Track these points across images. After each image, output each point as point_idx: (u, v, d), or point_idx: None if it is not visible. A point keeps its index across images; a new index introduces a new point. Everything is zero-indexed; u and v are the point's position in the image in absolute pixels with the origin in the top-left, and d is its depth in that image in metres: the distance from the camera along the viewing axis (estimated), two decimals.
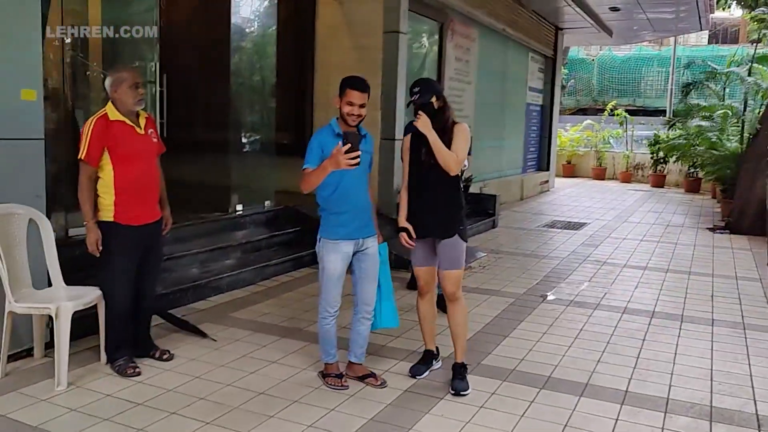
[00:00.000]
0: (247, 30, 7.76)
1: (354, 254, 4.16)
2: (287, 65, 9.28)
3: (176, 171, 8.02)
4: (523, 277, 7.37)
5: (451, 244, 4.18)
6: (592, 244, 9.58)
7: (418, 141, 4.11)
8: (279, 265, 7.05)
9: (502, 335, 5.34)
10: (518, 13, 13.70)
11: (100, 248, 4.26)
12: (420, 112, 4.05)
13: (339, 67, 9.11)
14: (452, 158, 4.04)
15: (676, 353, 5.04)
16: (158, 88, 7.53)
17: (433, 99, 4.09)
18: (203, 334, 5.09)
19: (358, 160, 3.72)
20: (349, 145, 3.70)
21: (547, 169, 17.34)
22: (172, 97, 7.54)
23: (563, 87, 25.05)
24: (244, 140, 7.94)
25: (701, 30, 17.78)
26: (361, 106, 3.99)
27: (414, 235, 4.22)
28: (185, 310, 5.73)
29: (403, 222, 4.23)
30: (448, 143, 4.06)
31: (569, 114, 26.87)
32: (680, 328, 5.67)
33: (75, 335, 4.34)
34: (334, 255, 4.08)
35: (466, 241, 4.28)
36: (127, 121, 4.31)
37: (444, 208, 4.18)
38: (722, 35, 32.51)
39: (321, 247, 4.14)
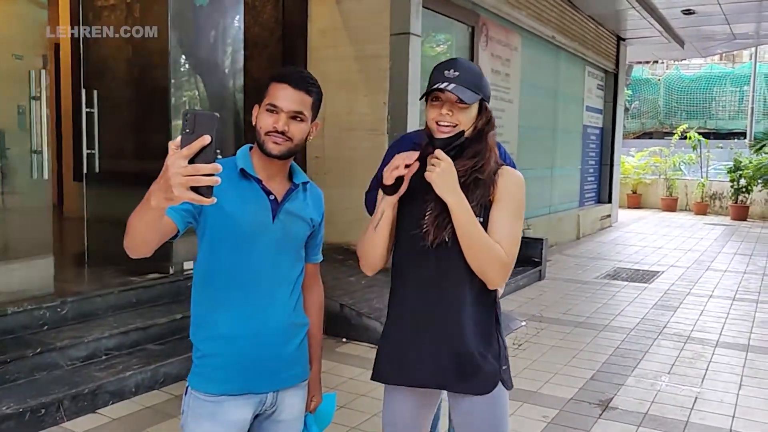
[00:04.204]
0: (196, 39, 5.86)
1: (255, 419, 2.09)
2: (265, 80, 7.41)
3: (107, 214, 6.26)
4: (573, 365, 5.21)
5: (489, 403, 2.07)
6: (668, 305, 7.31)
7: (420, 183, 2.01)
8: None
9: None
10: (571, 18, 11.56)
11: None
12: (437, 150, 1.98)
13: (336, 80, 7.26)
14: (495, 259, 1.97)
15: None
16: (85, 109, 5.83)
17: (473, 108, 2.03)
18: None
19: (216, 178, 1.45)
20: (208, 139, 1.43)
21: (609, 201, 15.00)
22: (105, 122, 5.82)
23: (626, 109, 22.85)
24: None
25: None
26: (295, 117, 1.97)
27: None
28: None
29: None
30: (481, 208, 2.00)
31: (633, 138, 24.72)
32: None
33: None
34: (208, 426, 2.00)
35: (512, 387, 2.16)
36: None
37: (470, 330, 2.04)
38: None
39: (186, 404, 2.06)
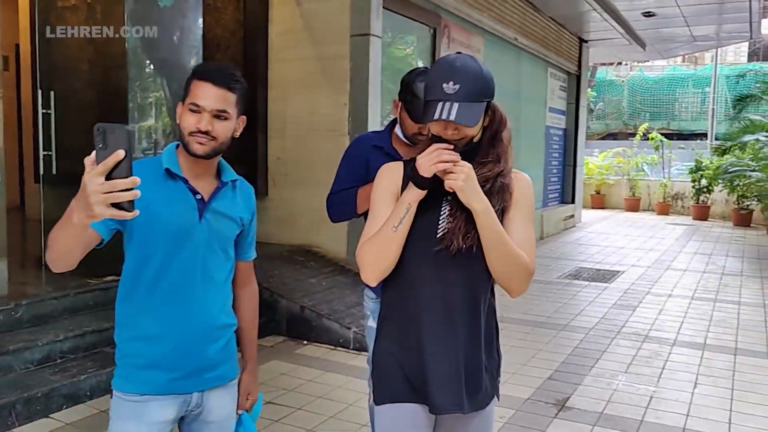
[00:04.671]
0: (156, 39, 5.82)
1: (182, 420, 2.10)
2: None
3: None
4: (531, 365, 5.25)
5: (484, 418, 2.01)
6: (627, 304, 7.40)
7: (437, 193, 1.88)
8: None
9: None
10: (533, 20, 11.64)
11: None
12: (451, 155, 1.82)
13: (298, 81, 7.26)
14: (522, 266, 1.89)
15: None
16: (42, 110, 5.76)
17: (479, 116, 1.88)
18: None
19: (136, 191, 1.44)
20: (122, 154, 1.42)
21: (572, 202, 15.11)
22: (63, 123, 5.75)
23: (591, 110, 23.05)
24: None
25: (751, 38, 15.59)
26: (218, 115, 1.92)
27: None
28: None
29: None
30: (500, 214, 1.91)
31: (598, 139, 24.93)
32: None
33: None
34: (132, 427, 1.99)
35: (499, 398, 2.10)
36: None
37: (483, 343, 1.97)
38: (763, 52, 30.10)
39: (111, 407, 2.05)
